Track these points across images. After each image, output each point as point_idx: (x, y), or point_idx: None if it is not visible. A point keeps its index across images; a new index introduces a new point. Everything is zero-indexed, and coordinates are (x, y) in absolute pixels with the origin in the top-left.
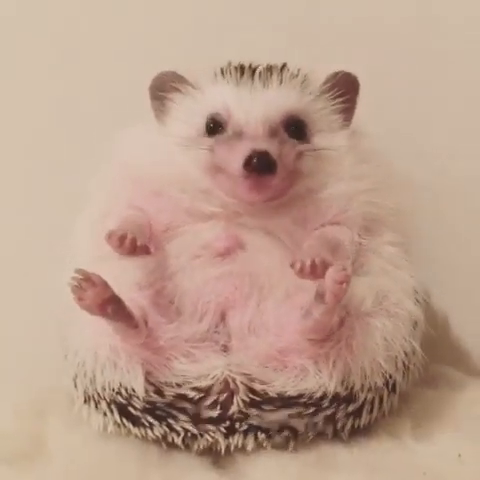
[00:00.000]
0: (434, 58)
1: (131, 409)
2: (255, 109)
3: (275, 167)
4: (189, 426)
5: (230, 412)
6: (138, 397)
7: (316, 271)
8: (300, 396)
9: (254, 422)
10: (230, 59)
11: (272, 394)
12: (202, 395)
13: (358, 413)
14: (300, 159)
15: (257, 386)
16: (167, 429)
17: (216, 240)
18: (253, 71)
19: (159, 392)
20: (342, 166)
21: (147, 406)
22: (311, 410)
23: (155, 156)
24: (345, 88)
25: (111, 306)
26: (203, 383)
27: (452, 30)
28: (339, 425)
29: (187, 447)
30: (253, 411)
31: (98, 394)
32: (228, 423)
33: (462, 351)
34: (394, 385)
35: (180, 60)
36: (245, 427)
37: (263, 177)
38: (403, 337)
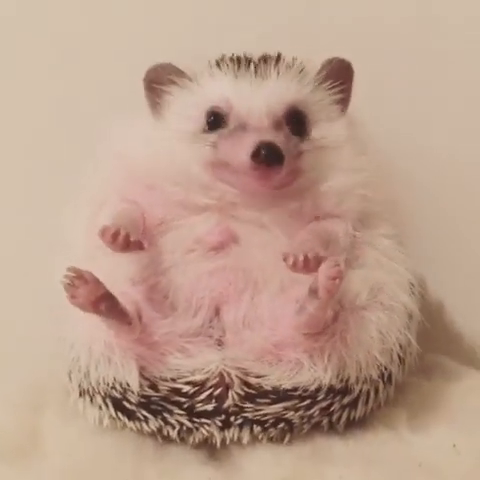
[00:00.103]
0: (434, 58)
1: (126, 403)
2: (257, 101)
3: (283, 158)
4: (184, 420)
5: (225, 406)
6: (133, 392)
7: (309, 266)
8: (295, 389)
9: (249, 415)
10: (224, 53)
11: (267, 387)
12: (197, 389)
13: (354, 405)
14: (301, 157)
15: (252, 380)
16: (162, 423)
17: (209, 234)
18: (249, 62)
19: (154, 387)
20: (341, 159)
21: (142, 400)
22: (306, 402)
23: (150, 149)
24: (340, 75)
25: (104, 303)
26: (198, 377)
27: (452, 30)
28: (335, 417)
29: (182, 440)
30: (248, 404)
31: (93, 388)
32: (223, 417)
33: (457, 340)
34: (390, 377)
35: (180, 60)
36: (240, 420)
37: (271, 168)
38: (398, 330)
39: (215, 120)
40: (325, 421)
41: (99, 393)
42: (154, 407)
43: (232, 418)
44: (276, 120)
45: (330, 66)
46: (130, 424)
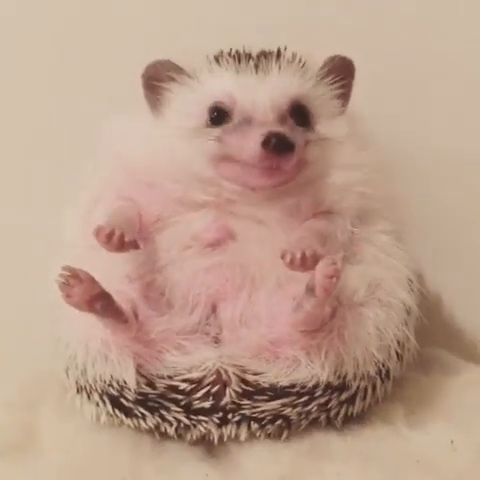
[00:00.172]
0: (434, 58)
1: (123, 400)
2: (261, 95)
3: (293, 146)
4: (181, 417)
5: (223, 403)
6: (130, 389)
7: (306, 263)
8: (293, 386)
9: (247, 412)
10: (222, 49)
11: (264, 385)
12: (194, 386)
13: (351, 401)
14: (307, 148)
15: (249, 377)
16: (160, 420)
17: (206, 231)
18: (250, 57)
19: (151, 384)
20: (342, 155)
21: (139, 397)
22: (304, 399)
23: (150, 147)
24: (342, 72)
25: (99, 302)
26: (194, 374)
27: (452, 30)
28: (332, 413)
29: (180, 437)
30: (246, 402)
31: (90, 386)
32: (221, 414)
33: (457, 335)
34: (387, 373)
35: (178, 58)
36: (238, 417)
37: (283, 156)
38: (396, 326)
39: (218, 116)
40: (323, 417)
41: (96, 390)
42: (151, 404)
43: (230, 415)
44: (281, 114)
45: (332, 63)
46: (127, 421)
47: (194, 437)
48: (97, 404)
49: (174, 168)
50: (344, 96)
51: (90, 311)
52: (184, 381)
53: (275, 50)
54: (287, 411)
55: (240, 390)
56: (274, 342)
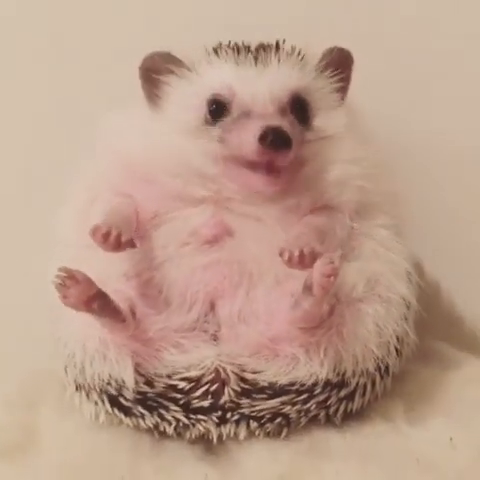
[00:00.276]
0: (434, 58)
1: (122, 400)
2: (261, 87)
3: (291, 142)
4: (180, 416)
5: (221, 402)
6: (128, 388)
7: (304, 261)
8: (292, 384)
9: (246, 411)
10: (220, 40)
11: (263, 383)
12: (192, 385)
13: (351, 397)
14: (307, 145)
15: (248, 375)
16: (159, 419)
17: (204, 227)
18: (249, 49)
19: (149, 383)
20: (341, 150)
21: (138, 397)
22: (303, 397)
23: (148, 141)
24: (340, 64)
25: (97, 302)
26: (193, 373)
27: (452, 30)
28: (332, 410)
29: (179, 436)
30: (245, 400)
31: (88, 385)
32: (220, 413)
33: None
34: (387, 368)
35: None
36: (237, 416)
37: (279, 152)
38: (395, 322)
39: (217, 108)
40: (322, 414)
41: (95, 389)
42: (150, 403)
43: (228, 414)
44: (281, 106)
45: (331, 55)
46: (126, 420)
47: (193, 436)
48: (96, 403)
49: (173, 162)
50: (343, 89)
51: (87, 311)
52: (183, 380)
53: (274, 43)
54: (286, 409)
55: (239, 389)
56: (273, 339)
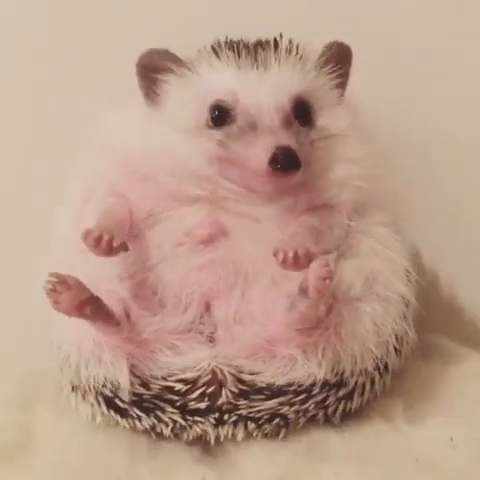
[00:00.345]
0: (434, 58)
1: (118, 401)
2: (264, 94)
3: (300, 164)
4: (177, 418)
5: (219, 403)
6: (124, 390)
7: (299, 263)
8: (290, 385)
9: (243, 412)
10: (218, 37)
11: (261, 384)
12: (189, 387)
13: (349, 397)
14: (311, 147)
15: (246, 377)
16: (155, 420)
17: (199, 226)
18: (248, 49)
19: (145, 385)
20: (344, 149)
21: (134, 398)
22: (301, 397)
23: (146, 139)
24: (340, 60)
25: (89, 307)
26: (189, 375)
27: (452, 30)
28: (330, 410)
29: (176, 437)
30: (242, 401)
31: (84, 387)
32: (217, 414)
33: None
34: (386, 367)
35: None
36: (234, 418)
37: (288, 174)
38: (394, 320)
39: (220, 115)
40: (321, 414)
41: (91, 391)
42: (146, 405)
43: (226, 416)
44: (285, 115)
45: (330, 51)
46: (123, 421)
47: (190, 437)
48: (92, 404)
49: (170, 162)
50: (342, 84)
51: (80, 316)
52: (179, 382)
53: (272, 39)
54: (284, 410)
55: (236, 390)
56: (269, 340)
